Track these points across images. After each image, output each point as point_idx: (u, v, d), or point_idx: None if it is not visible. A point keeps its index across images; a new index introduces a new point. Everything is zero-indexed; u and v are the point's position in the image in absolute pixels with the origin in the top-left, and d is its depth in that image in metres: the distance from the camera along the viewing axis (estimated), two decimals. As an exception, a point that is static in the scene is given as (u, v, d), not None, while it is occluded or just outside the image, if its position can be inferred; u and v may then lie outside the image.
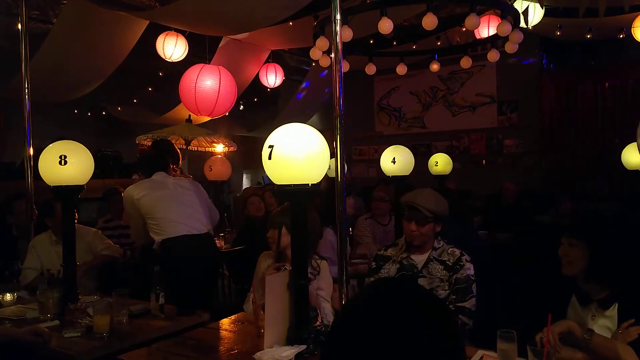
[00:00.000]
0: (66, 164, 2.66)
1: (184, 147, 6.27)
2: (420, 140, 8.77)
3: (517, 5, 4.80)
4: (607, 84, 7.51)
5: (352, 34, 4.12)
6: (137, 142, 6.21)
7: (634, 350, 1.71)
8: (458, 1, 5.15)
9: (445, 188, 4.83)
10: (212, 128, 7.29)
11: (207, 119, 6.12)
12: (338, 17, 2.46)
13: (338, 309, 2.62)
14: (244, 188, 9.57)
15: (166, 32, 5.39)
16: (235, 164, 7.11)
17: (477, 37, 5.42)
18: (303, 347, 1.95)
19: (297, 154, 1.91)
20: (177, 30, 5.41)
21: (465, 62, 5.49)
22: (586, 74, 7.68)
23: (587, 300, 1.99)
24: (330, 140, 2.18)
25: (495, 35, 4.82)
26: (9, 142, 6.73)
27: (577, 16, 5.19)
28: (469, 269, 2.53)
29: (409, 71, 6.10)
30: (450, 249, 2.60)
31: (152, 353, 2.13)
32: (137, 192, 3.39)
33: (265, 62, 7.00)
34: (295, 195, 1.99)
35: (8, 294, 2.92)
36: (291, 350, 1.92)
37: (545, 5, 5.16)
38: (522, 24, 4.83)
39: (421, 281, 2.54)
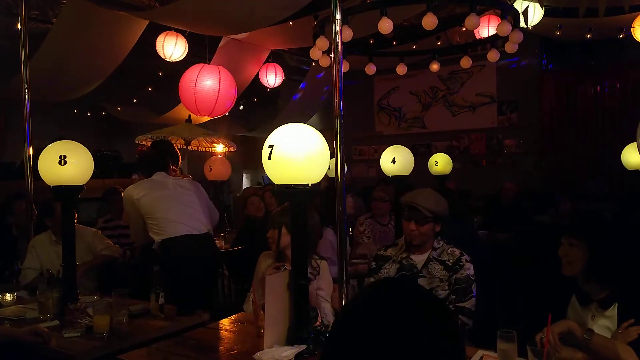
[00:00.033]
0: (66, 164, 2.66)
1: (184, 147, 6.27)
2: (420, 140, 8.77)
3: (517, 5, 4.80)
4: (607, 84, 7.51)
5: (352, 34, 4.12)
6: (137, 142, 6.22)
7: (633, 350, 1.71)
8: (458, 1, 5.15)
9: (445, 188, 4.83)
10: (212, 128, 7.29)
11: (207, 119, 6.12)
12: (338, 17, 2.46)
13: (338, 309, 2.62)
14: (244, 188, 9.57)
15: (166, 32, 5.39)
16: (235, 164, 7.11)
17: (477, 37, 5.42)
18: (303, 347, 1.95)
19: (297, 154, 1.91)
20: (177, 30, 5.41)
21: (465, 62, 5.49)
22: (586, 74, 7.69)
23: (587, 300, 1.99)
24: (330, 140, 2.18)
25: (495, 35, 4.82)
26: (8, 142, 6.73)
27: (577, 16, 5.20)
28: (469, 269, 2.53)
29: (409, 71, 6.10)
30: (450, 249, 2.60)
31: (152, 353, 2.13)
32: (137, 192, 3.39)
33: (265, 62, 7.00)
34: (295, 195, 1.99)
35: (8, 294, 2.92)
36: (291, 350, 1.92)
37: (545, 5, 5.16)
38: (522, 24, 4.83)
39: (421, 281, 2.54)
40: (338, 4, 2.46)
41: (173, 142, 4.81)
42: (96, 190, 4.84)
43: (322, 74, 8.05)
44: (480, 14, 4.66)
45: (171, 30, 5.39)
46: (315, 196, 2.32)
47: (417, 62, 6.90)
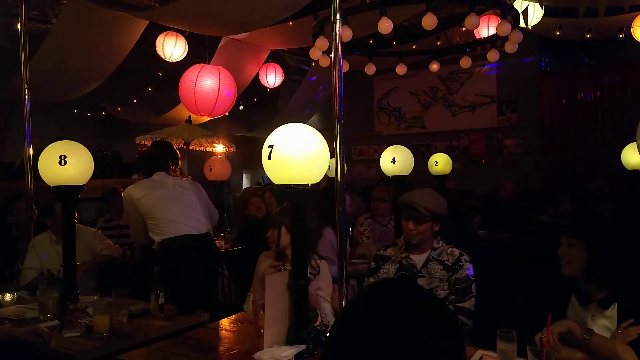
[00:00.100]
0: (66, 164, 2.67)
1: (184, 147, 6.27)
2: (420, 140, 8.78)
3: (516, 5, 4.80)
4: (606, 84, 7.51)
5: (351, 34, 4.12)
6: (137, 142, 6.22)
7: (633, 350, 1.71)
8: (458, 1, 5.15)
9: (445, 188, 4.83)
10: (212, 128, 7.29)
11: (207, 119, 6.12)
12: (338, 17, 2.46)
13: (338, 309, 2.63)
14: (243, 188, 9.58)
15: (166, 32, 5.39)
16: (235, 164, 7.11)
17: (477, 37, 5.42)
18: (303, 347, 1.96)
19: (297, 154, 1.91)
20: (177, 30, 5.41)
21: (465, 62, 5.49)
22: (586, 73, 7.69)
23: (587, 300, 1.99)
24: (330, 140, 2.18)
25: (495, 35, 4.82)
26: (8, 142, 6.74)
27: (577, 16, 5.19)
28: (469, 269, 2.53)
29: (408, 71, 6.10)
30: (450, 249, 2.60)
31: (152, 353, 2.13)
32: (136, 192, 3.39)
33: (265, 62, 7.00)
34: (295, 195, 1.99)
35: (8, 294, 2.92)
36: (291, 350, 1.92)
37: (544, 5, 5.16)
38: (522, 24, 4.83)
39: (420, 281, 2.54)
40: (338, 4, 2.45)
41: (173, 142, 4.81)
42: (96, 190, 4.85)
43: (314, 77, 8.06)
44: (480, 14, 4.66)
45: (171, 30, 5.38)
46: (315, 196, 2.32)
47: (417, 62, 6.90)
